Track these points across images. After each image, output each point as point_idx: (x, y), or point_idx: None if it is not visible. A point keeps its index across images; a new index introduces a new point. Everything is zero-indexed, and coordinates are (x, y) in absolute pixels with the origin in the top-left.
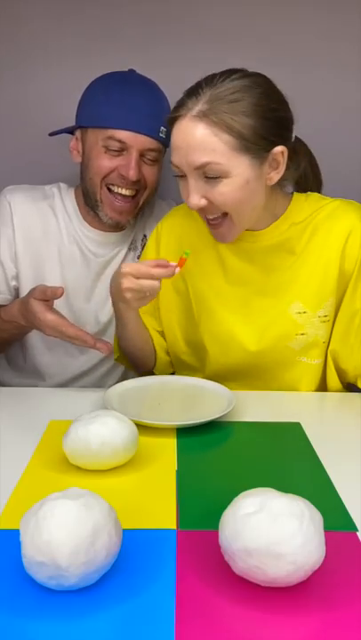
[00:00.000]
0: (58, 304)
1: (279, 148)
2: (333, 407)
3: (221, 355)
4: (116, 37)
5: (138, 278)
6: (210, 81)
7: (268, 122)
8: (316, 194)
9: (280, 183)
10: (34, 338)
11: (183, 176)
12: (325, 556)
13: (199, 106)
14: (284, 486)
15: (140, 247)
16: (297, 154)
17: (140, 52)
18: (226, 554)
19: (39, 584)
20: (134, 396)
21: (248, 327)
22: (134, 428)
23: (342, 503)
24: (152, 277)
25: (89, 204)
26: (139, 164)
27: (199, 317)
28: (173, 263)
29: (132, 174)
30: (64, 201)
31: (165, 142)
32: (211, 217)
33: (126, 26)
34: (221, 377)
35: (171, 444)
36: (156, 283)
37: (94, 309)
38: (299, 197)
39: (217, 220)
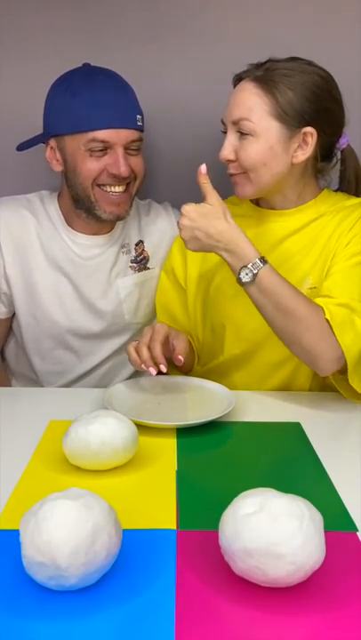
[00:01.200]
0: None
1: (309, 129)
2: (333, 407)
3: (236, 334)
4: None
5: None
6: (276, 58)
7: (309, 103)
8: (344, 193)
9: (316, 175)
10: (29, 346)
11: (226, 133)
12: (325, 556)
13: (258, 72)
14: (284, 486)
15: (134, 251)
16: (346, 159)
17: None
18: (226, 554)
19: (39, 584)
20: (134, 396)
21: None
22: (134, 428)
23: (342, 503)
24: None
25: (82, 207)
26: (126, 159)
27: (215, 300)
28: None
29: (124, 171)
30: (47, 209)
31: (143, 126)
32: (233, 172)
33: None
34: (239, 357)
35: (171, 444)
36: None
37: (89, 304)
38: (329, 192)
39: (237, 177)
